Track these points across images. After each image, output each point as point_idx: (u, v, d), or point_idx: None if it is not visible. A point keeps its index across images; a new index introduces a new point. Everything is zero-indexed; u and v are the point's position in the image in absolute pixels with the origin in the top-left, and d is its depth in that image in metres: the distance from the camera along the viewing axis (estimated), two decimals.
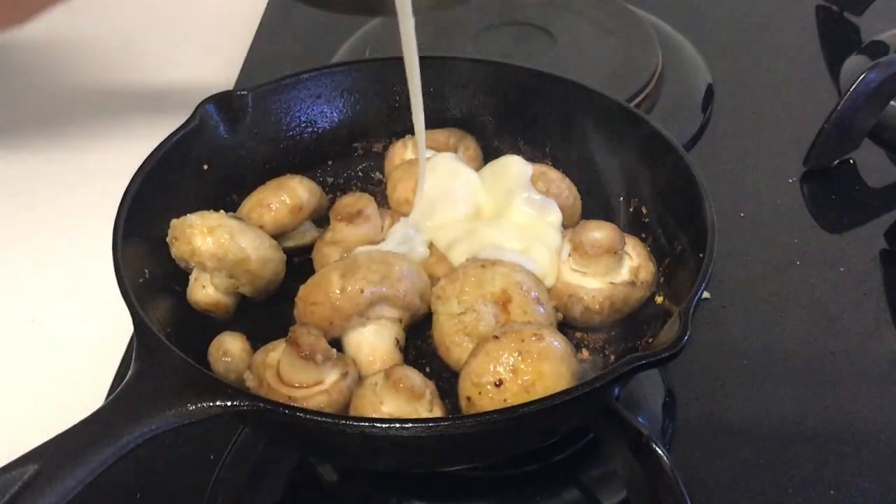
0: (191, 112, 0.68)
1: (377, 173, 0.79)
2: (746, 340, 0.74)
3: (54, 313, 0.79)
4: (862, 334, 0.75)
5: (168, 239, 0.63)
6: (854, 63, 1.01)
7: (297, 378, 0.56)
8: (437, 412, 0.56)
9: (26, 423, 0.70)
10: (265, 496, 0.65)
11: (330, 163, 0.78)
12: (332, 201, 0.71)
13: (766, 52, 1.08)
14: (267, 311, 0.67)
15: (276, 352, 0.58)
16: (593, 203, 0.72)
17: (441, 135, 0.75)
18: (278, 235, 0.69)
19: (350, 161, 0.79)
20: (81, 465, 0.44)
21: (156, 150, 0.65)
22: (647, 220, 0.69)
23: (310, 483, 0.66)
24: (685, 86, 1.01)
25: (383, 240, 0.67)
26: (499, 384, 0.54)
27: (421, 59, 0.77)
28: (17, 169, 0.96)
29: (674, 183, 0.65)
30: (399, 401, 0.54)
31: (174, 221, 0.64)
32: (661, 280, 0.65)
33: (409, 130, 0.77)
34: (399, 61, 0.77)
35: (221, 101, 0.70)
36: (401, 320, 0.62)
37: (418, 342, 0.66)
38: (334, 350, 0.58)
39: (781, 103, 1.00)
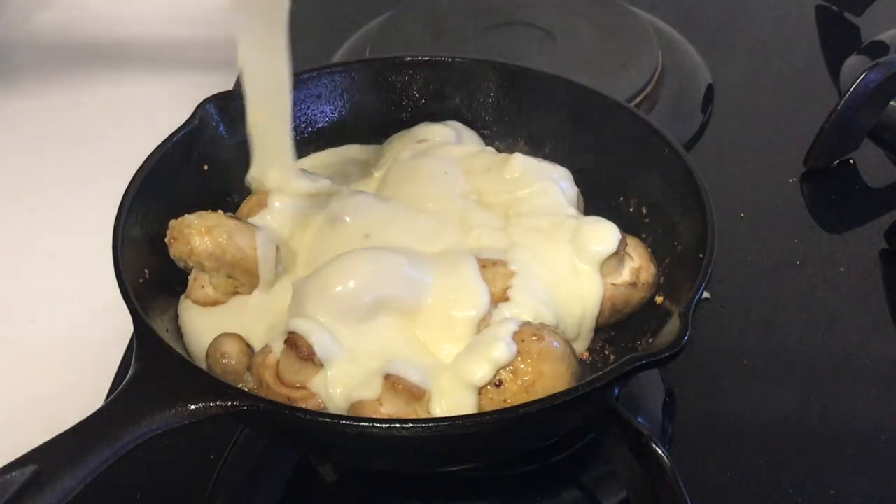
0: (191, 112, 0.68)
1: None
2: (746, 340, 0.74)
3: (54, 313, 0.79)
4: (862, 334, 0.75)
5: (167, 239, 0.63)
6: (854, 63, 1.01)
7: (297, 379, 0.56)
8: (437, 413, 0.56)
9: (26, 423, 0.70)
10: (265, 496, 0.65)
11: None
12: None
13: (766, 52, 1.08)
14: None
15: (275, 353, 0.58)
16: (593, 203, 0.72)
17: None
18: None
19: None
20: (81, 465, 0.44)
21: (156, 150, 0.65)
22: (647, 220, 0.69)
23: (310, 483, 0.66)
24: (685, 86, 1.01)
25: None
26: (499, 384, 0.54)
27: (422, 59, 0.77)
28: (17, 169, 0.96)
29: (674, 183, 0.65)
30: (398, 402, 0.54)
31: (172, 222, 0.64)
32: (661, 280, 0.65)
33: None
34: (399, 61, 0.77)
35: (221, 101, 0.70)
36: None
37: None
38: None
39: (781, 103, 1.00)
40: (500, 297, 0.60)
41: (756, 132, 0.96)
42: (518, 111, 0.76)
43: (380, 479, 0.65)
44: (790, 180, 0.90)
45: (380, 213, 0.66)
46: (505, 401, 0.53)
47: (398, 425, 0.48)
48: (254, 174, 0.68)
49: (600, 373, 0.50)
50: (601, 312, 0.64)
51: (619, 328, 0.66)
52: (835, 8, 1.12)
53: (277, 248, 0.64)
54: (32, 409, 0.71)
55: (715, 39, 1.09)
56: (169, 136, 0.66)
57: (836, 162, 0.91)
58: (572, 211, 0.68)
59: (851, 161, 0.91)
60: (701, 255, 0.57)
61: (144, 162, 0.64)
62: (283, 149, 0.67)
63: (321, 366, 0.56)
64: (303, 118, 0.75)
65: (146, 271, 0.61)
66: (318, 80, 0.75)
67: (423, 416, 0.55)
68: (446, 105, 0.77)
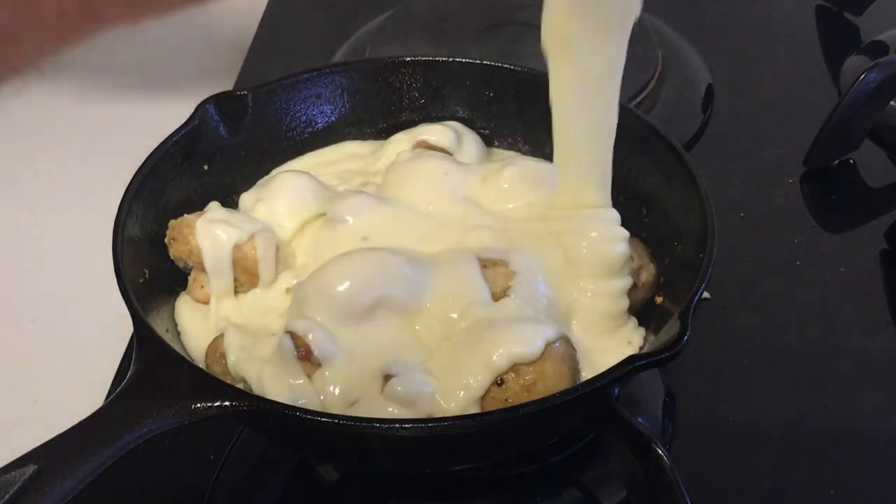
0: (191, 112, 0.68)
1: None
2: (746, 340, 0.74)
3: (54, 313, 0.79)
4: (862, 334, 0.75)
5: (166, 239, 0.63)
6: (854, 63, 1.01)
7: None
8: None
9: (26, 423, 0.70)
10: (265, 496, 0.65)
11: None
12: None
13: (766, 52, 1.08)
14: None
15: None
16: None
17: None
18: None
19: None
20: (81, 465, 0.44)
21: (156, 150, 0.65)
22: (647, 220, 0.69)
23: (310, 483, 0.66)
24: (685, 86, 1.01)
25: None
26: (500, 384, 0.54)
27: (422, 59, 0.77)
28: (16, 169, 0.96)
29: (674, 183, 0.65)
30: None
31: (172, 222, 0.64)
32: (661, 280, 0.65)
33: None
34: (399, 61, 0.77)
35: (221, 101, 0.69)
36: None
37: None
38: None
39: (781, 103, 1.00)
40: (500, 297, 0.60)
41: (756, 132, 0.96)
42: (518, 111, 0.76)
43: (380, 479, 0.65)
44: (790, 180, 0.90)
45: (380, 214, 0.65)
46: (506, 400, 0.53)
47: (398, 425, 0.48)
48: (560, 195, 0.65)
49: (600, 373, 0.50)
50: None
51: None
52: (835, 8, 1.12)
53: (277, 249, 0.64)
54: (32, 409, 0.71)
55: (715, 39, 1.09)
56: (169, 136, 0.66)
57: (836, 162, 0.91)
58: None
59: (851, 161, 0.91)
60: (701, 255, 0.57)
61: (144, 162, 0.64)
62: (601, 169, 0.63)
63: (319, 365, 0.56)
64: (303, 118, 0.75)
65: (146, 271, 0.61)
66: (318, 80, 0.75)
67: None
68: (446, 105, 0.77)
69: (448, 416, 0.53)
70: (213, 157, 0.70)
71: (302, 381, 0.55)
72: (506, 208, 0.68)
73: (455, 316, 0.59)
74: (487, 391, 0.54)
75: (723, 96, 1.00)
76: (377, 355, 0.57)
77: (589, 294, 0.62)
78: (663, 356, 0.49)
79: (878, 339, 0.74)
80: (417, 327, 0.59)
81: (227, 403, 0.48)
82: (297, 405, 0.51)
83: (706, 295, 0.75)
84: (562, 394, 0.49)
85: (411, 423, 0.48)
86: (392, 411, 0.54)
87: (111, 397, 0.48)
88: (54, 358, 0.75)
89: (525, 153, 0.76)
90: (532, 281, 0.61)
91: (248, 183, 0.72)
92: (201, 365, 0.60)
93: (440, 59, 0.77)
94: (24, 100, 1.06)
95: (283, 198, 0.67)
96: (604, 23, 0.57)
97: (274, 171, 0.73)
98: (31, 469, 0.43)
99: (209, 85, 0.79)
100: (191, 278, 0.65)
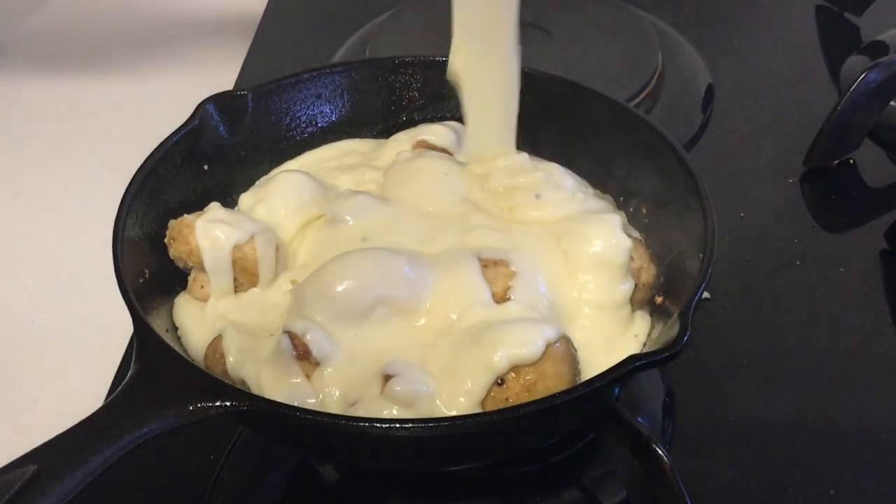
0: (191, 112, 0.68)
1: None
2: (746, 340, 0.74)
3: (54, 313, 0.79)
4: (862, 334, 0.75)
5: (166, 239, 0.63)
6: (854, 63, 1.01)
7: None
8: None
9: (26, 423, 0.70)
10: (265, 496, 0.65)
11: None
12: None
13: (766, 52, 1.08)
14: None
15: None
16: None
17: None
18: None
19: None
20: (81, 465, 0.44)
21: (156, 150, 0.65)
22: (647, 220, 0.69)
23: (310, 483, 0.66)
24: (685, 86, 1.01)
25: None
26: (500, 383, 0.54)
27: (422, 59, 0.77)
28: (17, 169, 0.96)
29: (674, 183, 0.65)
30: None
31: (172, 222, 0.64)
32: (661, 280, 0.65)
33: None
34: (399, 61, 0.77)
35: (221, 101, 0.70)
36: None
37: None
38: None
39: (781, 103, 1.00)
40: (501, 298, 0.60)
41: (756, 132, 0.96)
42: (517, 112, 0.76)
43: (380, 479, 0.65)
44: (790, 180, 0.90)
45: (380, 214, 0.65)
46: (507, 399, 0.53)
47: (398, 425, 0.48)
48: (472, 152, 0.71)
49: (600, 373, 0.50)
50: None
51: None
52: (835, 8, 1.12)
53: (277, 249, 0.64)
54: (32, 409, 0.71)
55: (715, 39, 1.09)
56: (169, 136, 0.66)
57: (836, 162, 0.91)
58: None
59: (851, 161, 0.91)
60: (701, 255, 0.57)
61: (144, 162, 0.64)
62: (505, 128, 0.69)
63: (318, 365, 0.56)
64: (303, 118, 0.75)
65: (146, 271, 0.61)
66: (318, 80, 0.75)
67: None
68: (446, 105, 0.77)
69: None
70: (213, 157, 0.70)
71: (300, 381, 0.55)
72: (505, 205, 0.68)
73: (455, 316, 0.58)
74: (488, 391, 0.54)
75: (723, 96, 1.00)
76: (377, 355, 0.56)
77: (590, 297, 0.62)
78: (663, 356, 0.49)
79: (878, 340, 0.74)
80: (417, 327, 0.59)
81: (227, 403, 0.48)
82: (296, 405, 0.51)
83: (706, 295, 0.75)
84: (562, 394, 0.49)
85: (411, 423, 0.48)
86: (392, 412, 0.54)
87: (111, 397, 0.48)
88: (54, 358, 0.75)
89: (525, 152, 0.75)
90: (533, 281, 0.61)
91: (248, 183, 0.72)
92: (201, 364, 0.60)
93: (440, 59, 0.77)
94: (23, 100, 1.06)
95: (282, 198, 0.67)
96: None
97: (274, 171, 0.73)
98: (31, 469, 0.43)
99: (209, 85, 0.79)
100: (191, 278, 0.65)
